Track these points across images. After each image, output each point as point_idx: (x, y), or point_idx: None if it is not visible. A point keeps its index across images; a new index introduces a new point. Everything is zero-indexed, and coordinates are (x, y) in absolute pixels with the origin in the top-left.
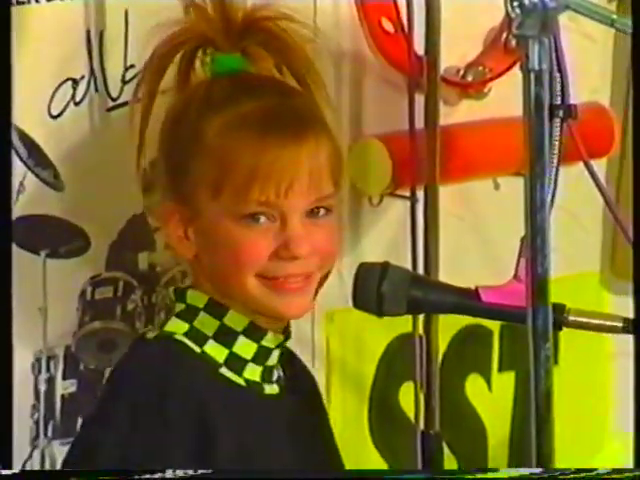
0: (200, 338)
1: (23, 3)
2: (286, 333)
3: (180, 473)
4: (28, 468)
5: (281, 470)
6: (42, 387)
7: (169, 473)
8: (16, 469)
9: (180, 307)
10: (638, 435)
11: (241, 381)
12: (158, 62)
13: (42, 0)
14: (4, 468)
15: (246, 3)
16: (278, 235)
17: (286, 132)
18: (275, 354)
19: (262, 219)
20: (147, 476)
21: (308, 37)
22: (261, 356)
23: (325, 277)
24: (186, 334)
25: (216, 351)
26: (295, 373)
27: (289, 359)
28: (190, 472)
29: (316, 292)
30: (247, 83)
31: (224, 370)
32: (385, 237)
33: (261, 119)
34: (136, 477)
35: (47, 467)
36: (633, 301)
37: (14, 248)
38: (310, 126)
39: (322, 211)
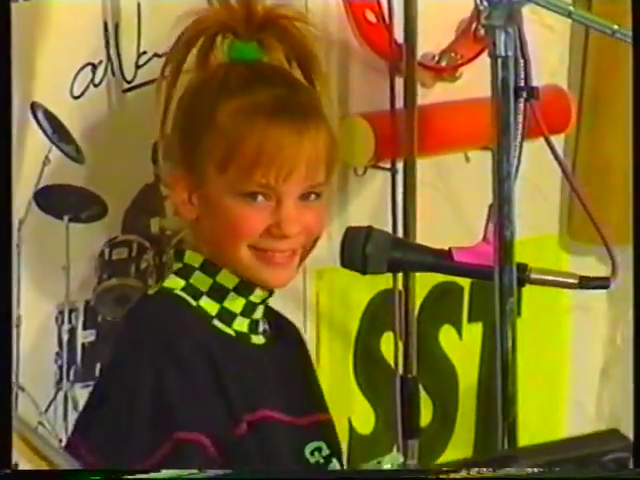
0: (195, 293)
1: None
2: (270, 290)
3: (170, 473)
4: (52, 409)
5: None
6: (65, 337)
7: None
8: (42, 408)
9: (178, 266)
10: (638, 435)
11: (231, 332)
12: (183, 45)
13: None
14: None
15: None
16: (272, 214)
17: (292, 124)
18: (260, 309)
19: (260, 198)
20: (138, 476)
21: (318, 38)
22: (248, 310)
23: (308, 252)
24: (183, 289)
25: (209, 305)
26: (279, 326)
27: (274, 314)
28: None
29: (300, 264)
30: (261, 72)
31: (216, 322)
32: (369, 204)
33: (270, 108)
34: (128, 477)
35: (70, 408)
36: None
37: (40, 213)
38: (312, 120)
39: (313, 196)
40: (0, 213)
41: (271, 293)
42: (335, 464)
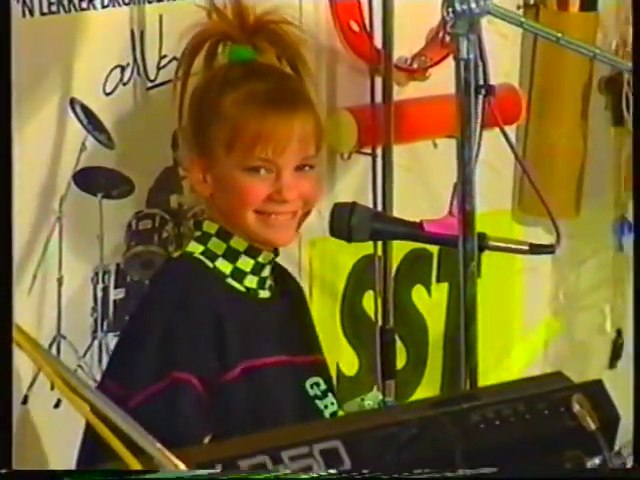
0: (212, 256)
1: (85, 9)
2: (275, 252)
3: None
4: (89, 355)
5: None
6: (99, 294)
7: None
8: (81, 354)
9: (197, 234)
10: (638, 435)
11: (242, 288)
12: (190, 52)
13: (98, 7)
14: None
15: (256, 8)
16: (273, 184)
17: (283, 107)
18: (267, 268)
19: (262, 171)
20: (141, 476)
21: (302, 37)
22: (257, 269)
23: (306, 215)
24: (202, 253)
25: (224, 266)
26: (284, 282)
27: (280, 272)
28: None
29: (299, 226)
30: (255, 69)
31: (229, 280)
32: (353, 183)
33: (265, 96)
34: (132, 477)
35: (104, 353)
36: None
37: (78, 191)
38: (300, 104)
39: (307, 168)
40: (0, 211)
41: (276, 255)
42: (331, 398)
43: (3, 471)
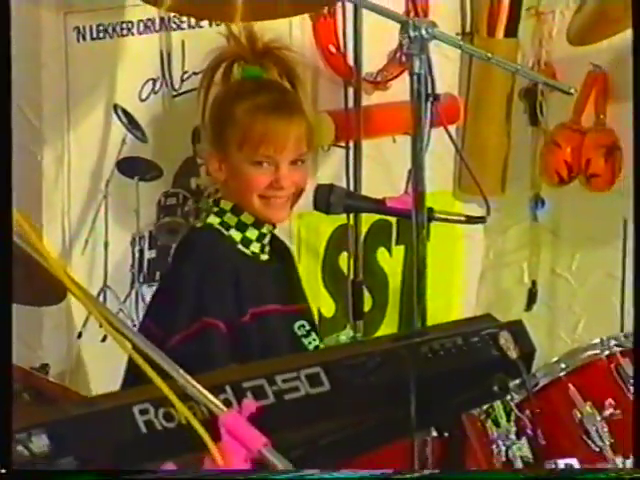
0: (227, 227)
1: (125, 35)
2: (273, 225)
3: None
4: (128, 301)
5: None
6: (136, 254)
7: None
8: (122, 300)
9: (215, 209)
10: (638, 435)
11: (248, 252)
12: (212, 69)
13: (135, 34)
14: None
15: (264, 37)
16: (273, 174)
17: (282, 115)
18: (267, 237)
19: (265, 164)
20: (136, 476)
21: (297, 60)
22: (260, 238)
23: (298, 197)
24: (219, 224)
25: (236, 235)
26: (279, 248)
27: (276, 240)
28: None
29: (292, 206)
30: (262, 84)
31: (239, 246)
32: (331, 169)
33: (268, 107)
34: (125, 477)
35: (139, 300)
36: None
37: (120, 176)
38: (296, 112)
39: (299, 162)
40: (0, 209)
41: (274, 227)
42: (314, 336)
43: (3, 471)
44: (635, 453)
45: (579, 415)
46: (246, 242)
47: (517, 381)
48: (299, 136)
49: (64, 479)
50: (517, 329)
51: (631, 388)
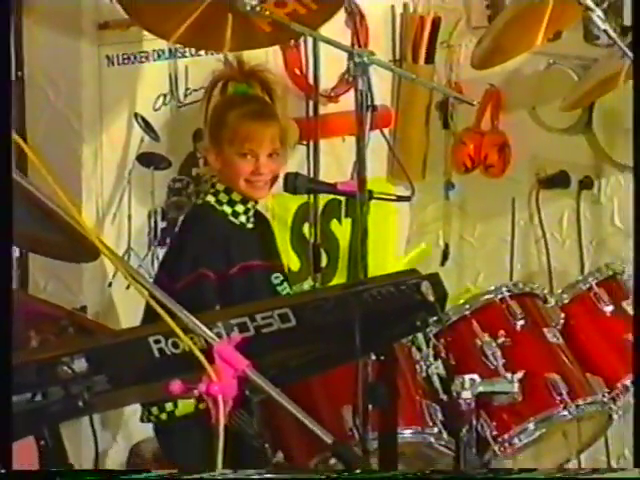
0: (221, 203)
1: (143, 62)
2: (256, 202)
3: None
4: (146, 260)
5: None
6: (152, 225)
7: (152, 473)
8: (141, 257)
9: (212, 190)
10: (638, 435)
11: (237, 222)
12: (212, 84)
13: (151, 61)
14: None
15: (250, 62)
16: (255, 164)
17: (262, 120)
18: (251, 211)
19: (248, 156)
20: (131, 476)
21: (275, 80)
22: (246, 211)
23: (274, 181)
24: (215, 202)
25: (227, 209)
26: (260, 218)
27: (258, 213)
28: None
29: (270, 187)
30: (248, 98)
31: (230, 217)
32: (297, 162)
33: (252, 114)
34: (123, 477)
35: (155, 259)
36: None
37: (140, 166)
38: (272, 118)
39: (274, 155)
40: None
41: (256, 203)
42: (285, 285)
43: (3, 471)
44: (635, 453)
45: (479, 343)
46: (235, 214)
47: (434, 318)
48: (274, 135)
49: (65, 479)
50: (434, 280)
51: (518, 323)
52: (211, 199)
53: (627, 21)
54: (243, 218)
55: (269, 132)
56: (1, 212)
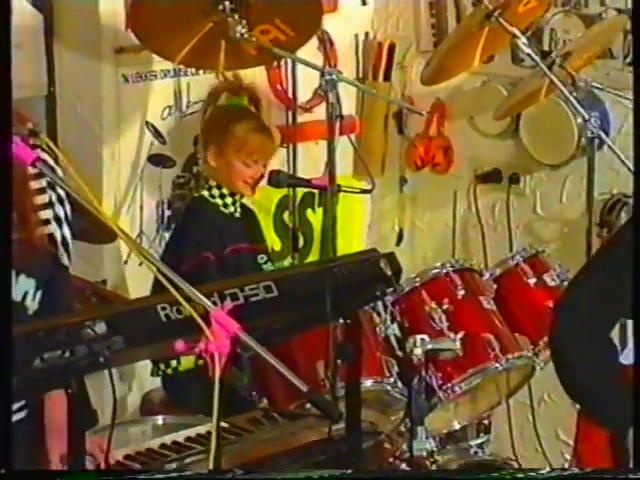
0: (213, 196)
1: (152, 80)
2: (241, 195)
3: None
4: (155, 242)
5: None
6: (160, 213)
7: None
8: (151, 239)
9: (206, 186)
10: (638, 435)
11: (227, 212)
12: (210, 97)
13: (159, 79)
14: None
15: (243, 79)
16: (257, 171)
17: (267, 134)
18: (238, 203)
19: (252, 165)
20: (129, 476)
21: (262, 94)
22: (234, 203)
23: (260, 181)
24: (209, 195)
25: (219, 201)
26: (247, 209)
27: (245, 204)
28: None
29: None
30: (244, 111)
31: (221, 208)
32: (279, 161)
33: (258, 128)
34: (126, 477)
35: (162, 241)
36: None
37: (150, 165)
38: (272, 133)
39: (267, 162)
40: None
41: (242, 197)
42: (269, 264)
43: (3, 471)
44: (635, 453)
45: (428, 309)
46: (225, 206)
47: (391, 289)
48: (275, 148)
49: (65, 479)
50: (391, 257)
51: (459, 292)
52: (205, 193)
53: (546, 46)
54: (232, 209)
55: (273, 146)
56: (1, 212)
